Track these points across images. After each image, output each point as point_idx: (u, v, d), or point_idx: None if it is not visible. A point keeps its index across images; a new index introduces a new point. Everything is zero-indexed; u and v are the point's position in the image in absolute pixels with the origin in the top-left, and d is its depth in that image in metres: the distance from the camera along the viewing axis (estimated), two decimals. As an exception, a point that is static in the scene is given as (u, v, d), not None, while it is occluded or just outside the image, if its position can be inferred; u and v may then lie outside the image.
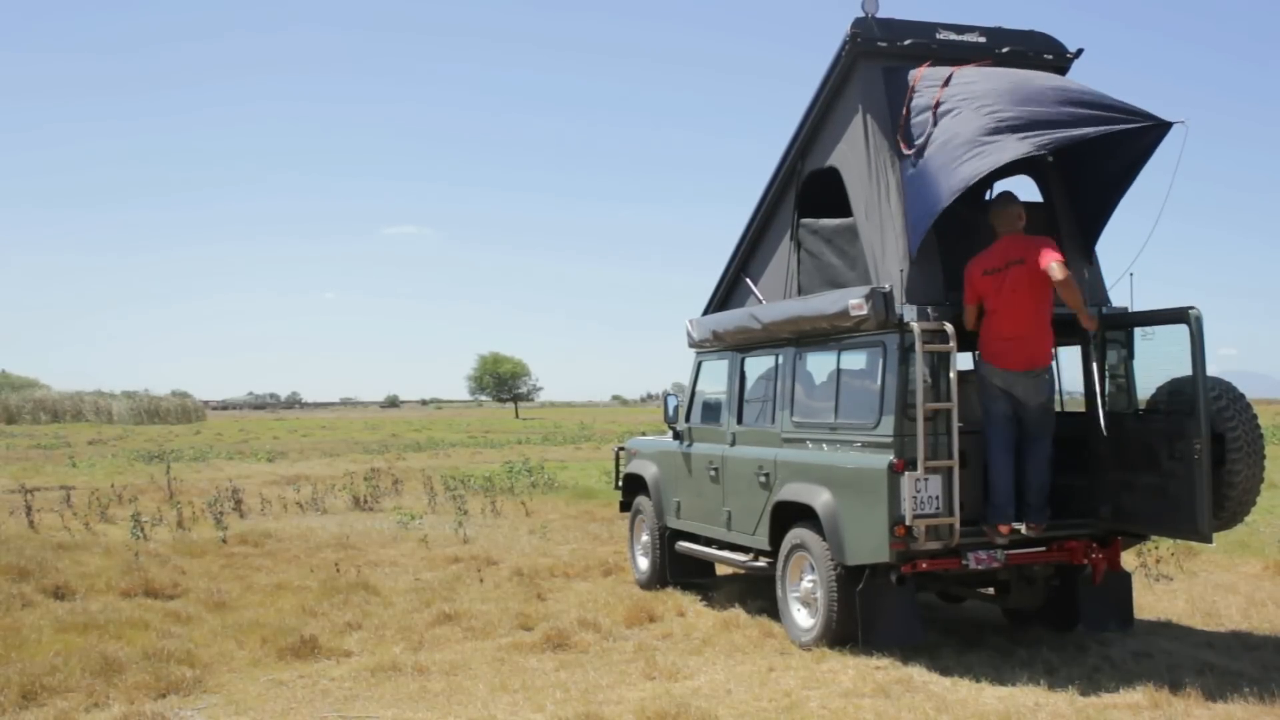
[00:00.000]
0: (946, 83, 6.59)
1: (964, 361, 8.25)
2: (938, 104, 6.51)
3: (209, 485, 19.52)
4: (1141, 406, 6.70)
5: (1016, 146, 6.12)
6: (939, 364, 6.44)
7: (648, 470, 9.47)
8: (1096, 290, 7.02)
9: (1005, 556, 6.61)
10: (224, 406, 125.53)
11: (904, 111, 6.66)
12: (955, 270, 6.64)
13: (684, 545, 8.87)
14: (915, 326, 6.30)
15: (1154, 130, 6.34)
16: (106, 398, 73.63)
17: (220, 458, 30.40)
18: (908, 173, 6.56)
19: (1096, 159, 6.86)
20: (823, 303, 7.03)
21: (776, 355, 7.79)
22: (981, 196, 7.26)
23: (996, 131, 6.18)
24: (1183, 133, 6.22)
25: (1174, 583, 9.17)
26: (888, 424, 6.47)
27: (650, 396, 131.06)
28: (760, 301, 8.11)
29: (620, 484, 10.05)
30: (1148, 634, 7.29)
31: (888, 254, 6.65)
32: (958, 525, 6.27)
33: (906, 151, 6.58)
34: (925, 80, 6.70)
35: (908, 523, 6.18)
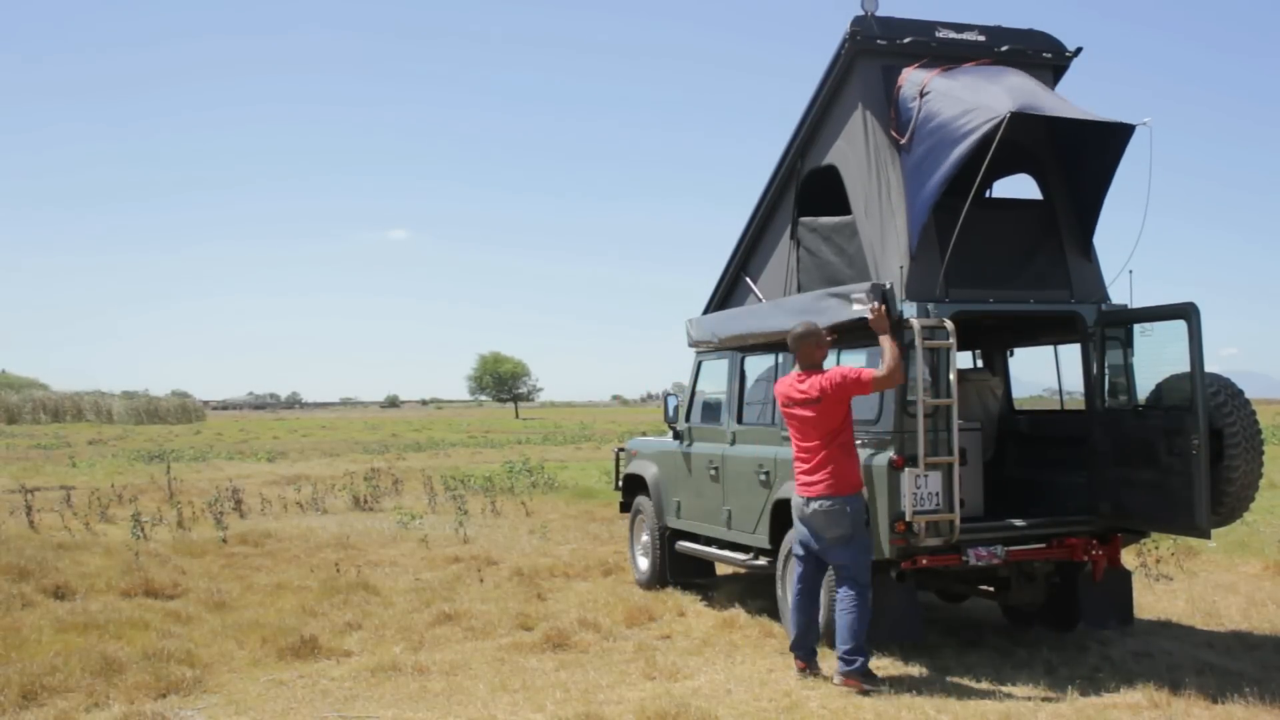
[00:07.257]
0: (935, 73, 6.67)
1: (963, 360, 8.26)
2: (923, 91, 6.55)
3: (209, 485, 19.52)
4: (1140, 403, 6.69)
5: (1005, 104, 6.11)
6: (939, 361, 6.43)
7: (648, 470, 9.46)
8: (1096, 286, 7.02)
9: (1006, 553, 6.60)
10: (224, 406, 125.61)
11: (893, 101, 6.72)
12: (956, 267, 6.63)
13: (684, 545, 8.86)
14: (915, 323, 6.29)
15: (1123, 130, 6.44)
16: (106, 398, 73.73)
17: (220, 458, 30.42)
18: (906, 163, 6.58)
19: (1084, 155, 6.89)
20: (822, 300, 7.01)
21: (776, 354, 7.78)
22: (983, 193, 7.26)
23: (980, 105, 6.22)
24: (1151, 132, 6.30)
25: (1174, 583, 9.17)
26: (888, 420, 6.47)
27: (650, 396, 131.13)
28: (760, 300, 8.10)
29: (620, 484, 10.04)
30: (1148, 634, 7.28)
31: (887, 251, 6.65)
32: (958, 521, 6.27)
33: (900, 139, 6.60)
34: (913, 76, 6.76)
35: (908, 519, 6.18)
